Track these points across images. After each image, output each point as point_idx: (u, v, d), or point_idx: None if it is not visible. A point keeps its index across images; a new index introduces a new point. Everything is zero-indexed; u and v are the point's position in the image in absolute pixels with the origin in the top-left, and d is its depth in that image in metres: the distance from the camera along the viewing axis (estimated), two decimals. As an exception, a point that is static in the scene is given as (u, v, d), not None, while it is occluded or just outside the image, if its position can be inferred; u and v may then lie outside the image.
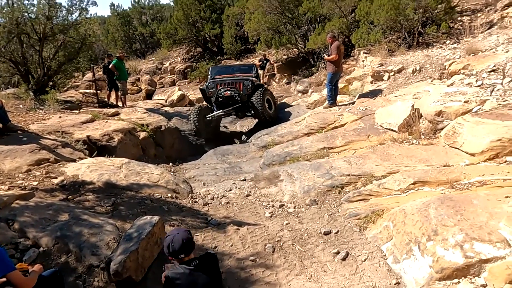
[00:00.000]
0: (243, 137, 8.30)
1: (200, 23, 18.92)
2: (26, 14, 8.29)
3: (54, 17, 8.70)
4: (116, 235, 3.40)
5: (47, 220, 3.51)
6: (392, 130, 5.72)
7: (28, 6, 8.22)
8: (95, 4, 9.27)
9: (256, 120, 9.98)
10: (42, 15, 8.38)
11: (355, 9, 11.47)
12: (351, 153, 5.45)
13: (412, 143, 5.18)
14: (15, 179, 4.36)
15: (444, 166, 4.18)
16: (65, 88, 14.66)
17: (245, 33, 17.09)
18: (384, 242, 3.35)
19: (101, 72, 11.53)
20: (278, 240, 3.59)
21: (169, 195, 4.53)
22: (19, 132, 5.82)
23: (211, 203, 4.58)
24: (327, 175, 4.63)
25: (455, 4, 9.67)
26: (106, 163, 5.11)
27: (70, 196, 4.11)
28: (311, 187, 4.53)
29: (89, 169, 4.78)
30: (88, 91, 12.73)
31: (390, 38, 10.33)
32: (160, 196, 4.46)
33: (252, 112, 9.30)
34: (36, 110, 7.45)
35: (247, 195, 4.75)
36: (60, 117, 6.90)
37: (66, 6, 8.95)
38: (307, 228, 3.78)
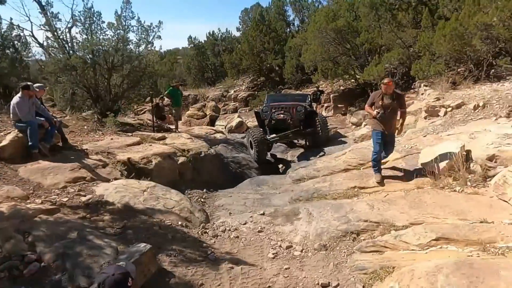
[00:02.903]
0: (281, 166, 8.16)
1: (264, 53, 19.63)
2: (100, 47, 9.47)
3: (124, 50, 9.77)
4: (112, 259, 3.47)
5: (57, 237, 3.75)
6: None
7: (102, 41, 9.38)
8: (160, 37, 10.25)
9: (302, 150, 9.86)
10: (113, 48, 9.48)
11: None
12: (382, 196, 4.92)
13: (454, 190, 4.49)
14: (50, 194, 4.81)
15: (481, 222, 3.50)
16: (142, 112, 16.21)
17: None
18: (386, 307, 2.87)
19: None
20: (269, 286, 3.32)
21: (180, 222, 4.55)
22: (72, 151, 6.50)
23: (220, 235, 4.47)
24: (343, 218, 4.22)
25: (536, 32, 8.46)
26: (134, 185, 5.37)
27: (88, 215, 4.37)
28: (325, 230, 4.17)
29: (115, 190, 5.06)
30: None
31: (457, 70, 9.41)
32: (170, 223, 4.50)
33: (301, 140, 9.38)
34: (96, 131, 8.29)
35: (259, 231, 4.53)
36: (111, 138, 7.56)
37: (135, 40, 10.04)
38: (305, 277, 3.44)
